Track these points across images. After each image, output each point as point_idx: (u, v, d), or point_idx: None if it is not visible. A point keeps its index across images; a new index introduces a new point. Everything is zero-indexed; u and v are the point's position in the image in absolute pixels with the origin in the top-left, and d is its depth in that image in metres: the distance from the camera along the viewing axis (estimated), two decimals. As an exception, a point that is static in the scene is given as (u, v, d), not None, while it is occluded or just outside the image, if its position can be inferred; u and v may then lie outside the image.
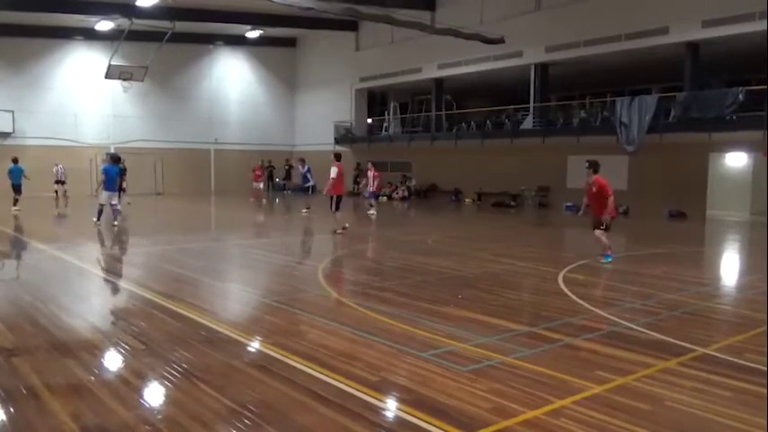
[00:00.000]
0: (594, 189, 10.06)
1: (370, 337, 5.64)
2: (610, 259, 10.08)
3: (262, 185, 26.86)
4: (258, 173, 27.24)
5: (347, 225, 14.38)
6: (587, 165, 10.28)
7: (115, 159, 16.21)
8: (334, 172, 13.92)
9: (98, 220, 15.29)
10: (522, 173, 24.59)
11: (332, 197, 14.24)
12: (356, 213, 22.83)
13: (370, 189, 21.24)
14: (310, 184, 21.27)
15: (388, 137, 31.08)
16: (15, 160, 20.22)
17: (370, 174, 21.17)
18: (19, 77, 29.19)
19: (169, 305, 6.94)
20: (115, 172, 15.61)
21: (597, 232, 10.20)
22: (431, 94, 29.28)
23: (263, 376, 4.63)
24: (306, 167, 21.31)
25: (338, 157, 14.51)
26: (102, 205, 15.42)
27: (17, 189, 19.71)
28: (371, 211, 20.04)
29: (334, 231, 14.11)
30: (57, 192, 26.09)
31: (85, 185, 28.58)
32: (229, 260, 11.38)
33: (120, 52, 26.69)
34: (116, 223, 15.26)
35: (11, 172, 19.84)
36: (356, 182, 32.60)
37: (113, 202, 15.43)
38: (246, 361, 5.07)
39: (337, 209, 14.26)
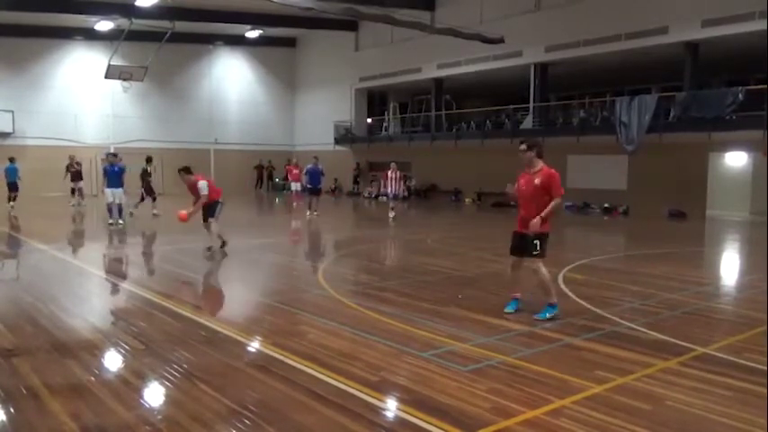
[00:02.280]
0: (537, 182, 6.46)
1: (370, 337, 5.64)
2: (553, 313, 6.36)
3: (300, 187, 23.60)
4: (296, 172, 24.28)
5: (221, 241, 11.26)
6: (525, 146, 6.68)
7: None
8: (204, 185, 11.09)
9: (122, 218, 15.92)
10: (523, 173, 24.53)
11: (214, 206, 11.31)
12: (355, 213, 22.85)
13: (393, 190, 19.58)
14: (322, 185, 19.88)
15: (388, 137, 31.08)
16: (12, 159, 20.59)
17: (392, 174, 19.56)
18: (19, 77, 29.18)
19: (169, 305, 6.94)
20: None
21: (539, 266, 6.43)
22: (430, 93, 29.28)
23: (263, 376, 4.63)
24: (319, 167, 19.54)
25: (188, 169, 11.47)
26: (120, 205, 15.90)
27: (13, 187, 20.09)
28: (392, 214, 18.69)
29: (209, 248, 11.16)
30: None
31: (86, 186, 28.52)
32: (229, 260, 11.37)
33: (119, 52, 26.68)
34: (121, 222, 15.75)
35: (6, 171, 20.39)
36: (356, 182, 32.64)
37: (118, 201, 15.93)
38: (246, 361, 5.07)
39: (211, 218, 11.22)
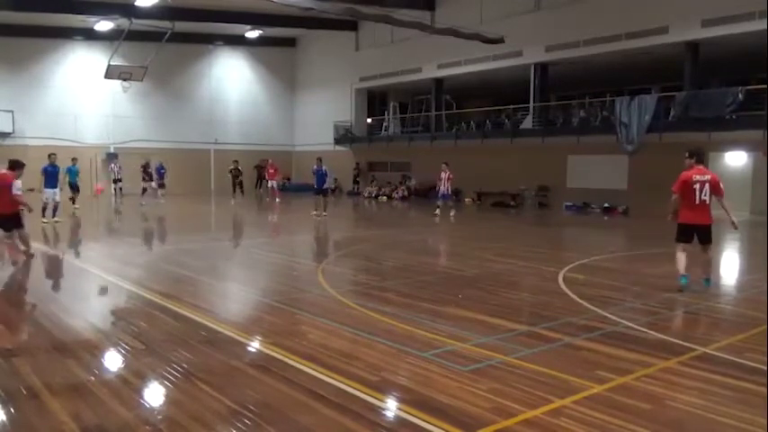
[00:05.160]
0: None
1: (370, 337, 5.64)
2: (679, 283, 7.90)
3: (275, 185, 27.28)
4: (272, 171, 27.45)
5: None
6: (687, 154, 8.16)
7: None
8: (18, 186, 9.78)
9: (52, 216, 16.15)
10: (522, 173, 24.58)
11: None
12: (355, 213, 22.83)
13: (443, 190, 20.30)
14: (328, 185, 19.69)
15: (388, 137, 31.08)
16: (74, 160, 21.23)
17: (444, 175, 20.20)
18: (19, 77, 29.18)
19: (169, 305, 6.94)
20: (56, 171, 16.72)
21: (676, 247, 8.09)
22: (430, 93, 29.28)
23: (263, 376, 4.63)
24: (323, 168, 19.48)
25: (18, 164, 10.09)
26: (57, 203, 16.39)
27: (74, 187, 20.74)
28: (452, 212, 19.66)
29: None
30: (115, 190, 27.93)
31: (86, 186, 28.55)
32: (229, 260, 11.38)
33: (119, 52, 26.67)
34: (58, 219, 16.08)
35: (68, 171, 20.95)
36: (356, 182, 32.64)
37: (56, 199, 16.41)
38: (246, 361, 5.07)
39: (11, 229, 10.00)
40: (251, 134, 35.11)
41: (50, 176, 16.34)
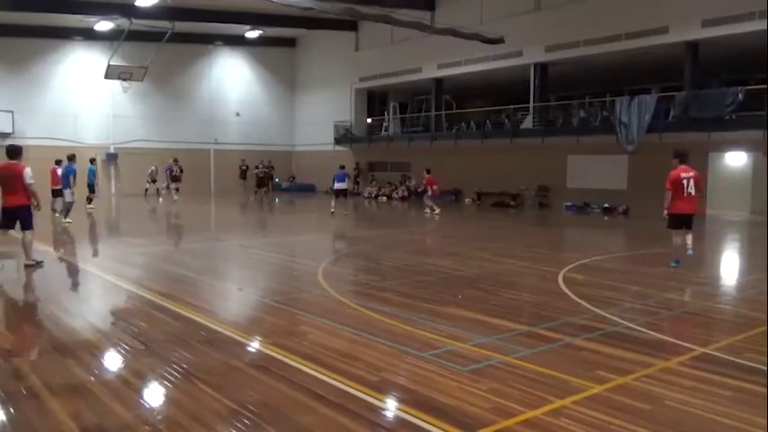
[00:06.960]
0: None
1: (370, 337, 5.64)
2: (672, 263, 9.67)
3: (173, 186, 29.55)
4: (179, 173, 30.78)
5: None
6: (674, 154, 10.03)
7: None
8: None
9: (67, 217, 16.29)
10: (522, 173, 24.59)
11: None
12: (355, 213, 22.84)
13: (428, 192, 22.13)
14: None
15: (388, 137, 31.07)
16: (92, 161, 21.38)
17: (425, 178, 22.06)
18: (19, 77, 29.17)
19: (169, 305, 6.94)
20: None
21: (672, 234, 9.83)
22: (430, 93, 29.28)
23: (263, 376, 4.63)
24: (335, 173, 19.96)
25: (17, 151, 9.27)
26: (71, 203, 16.49)
27: (91, 189, 20.92)
28: (427, 210, 21.26)
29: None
30: (158, 189, 29.21)
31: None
32: (229, 260, 11.38)
33: (119, 52, 26.69)
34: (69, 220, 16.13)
35: (88, 172, 21.08)
36: (356, 182, 32.64)
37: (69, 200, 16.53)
38: (246, 361, 5.07)
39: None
40: (251, 134, 35.11)
41: (69, 177, 16.45)
